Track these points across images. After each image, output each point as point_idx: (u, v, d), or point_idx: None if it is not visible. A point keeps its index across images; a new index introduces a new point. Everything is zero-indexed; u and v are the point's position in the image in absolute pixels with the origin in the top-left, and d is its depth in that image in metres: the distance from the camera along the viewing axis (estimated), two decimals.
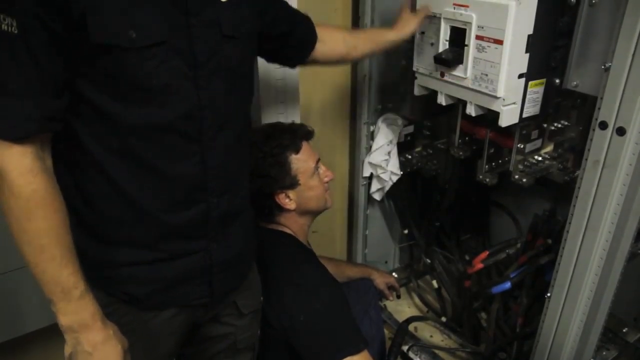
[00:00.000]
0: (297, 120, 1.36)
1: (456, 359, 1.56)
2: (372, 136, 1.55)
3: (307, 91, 1.44)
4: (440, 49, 1.12)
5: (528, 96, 1.08)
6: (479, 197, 1.65)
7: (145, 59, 0.69)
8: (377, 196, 1.63)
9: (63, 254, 0.71)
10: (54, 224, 0.70)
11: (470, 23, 1.03)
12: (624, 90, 0.89)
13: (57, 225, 0.71)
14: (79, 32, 0.65)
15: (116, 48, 0.67)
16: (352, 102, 1.60)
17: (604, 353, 1.29)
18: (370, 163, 1.55)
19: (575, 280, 1.07)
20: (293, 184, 1.17)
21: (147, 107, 0.72)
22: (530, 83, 1.07)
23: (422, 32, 1.17)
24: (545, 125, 1.22)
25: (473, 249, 1.69)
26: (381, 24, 1.43)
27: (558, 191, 1.36)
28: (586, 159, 0.97)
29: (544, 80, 1.09)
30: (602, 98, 0.92)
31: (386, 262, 1.92)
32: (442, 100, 1.20)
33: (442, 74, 1.15)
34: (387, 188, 1.58)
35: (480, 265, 1.37)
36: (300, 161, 1.18)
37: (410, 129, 1.57)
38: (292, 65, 1.13)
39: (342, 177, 1.72)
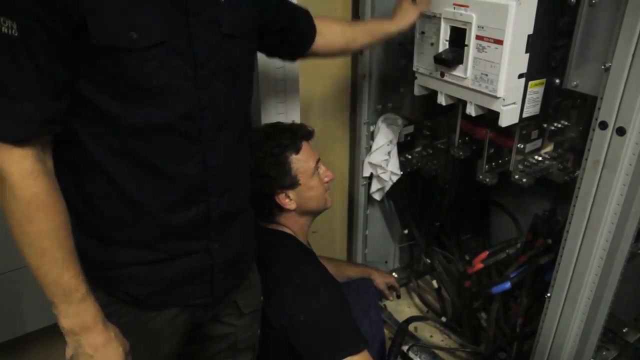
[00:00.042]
0: (297, 120, 1.36)
1: (456, 359, 1.56)
2: (372, 136, 1.55)
3: (307, 91, 1.44)
4: (440, 49, 1.12)
5: (528, 96, 1.08)
6: (479, 197, 1.65)
7: (145, 59, 0.69)
8: (377, 196, 1.63)
9: (65, 257, 0.71)
10: (55, 226, 0.70)
11: (470, 23, 1.03)
12: (624, 90, 0.89)
13: (58, 227, 0.71)
14: (79, 34, 0.65)
15: (117, 49, 0.67)
16: (352, 102, 1.60)
17: (604, 353, 1.29)
18: (370, 163, 1.55)
19: (575, 280, 1.07)
20: (293, 184, 1.17)
21: (147, 107, 0.72)
22: (530, 83, 1.07)
23: (422, 32, 1.17)
24: (545, 125, 1.22)
25: (473, 249, 1.69)
26: None
27: (558, 191, 1.36)
28: (586, 159, 0.97)
29: (544, 80, 1.09)
30: (602, 98, 0.92)
31: (386, 262, 1.92)
32: (442, 100, 1.20)
33: (442, 74, 1.15)
34: (387, 188, 1.58)
35: (480, 265, 1.37)
36: (300, 161, 1.18)
37: (410, 129, 1.57)
38: (292, 58, 1.13)
39: (342, 177, 1.72)
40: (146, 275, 0.83)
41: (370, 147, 1.55)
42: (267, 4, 0.94)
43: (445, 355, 1.55)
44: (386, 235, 1.86)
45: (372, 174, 1.58)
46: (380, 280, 1.55)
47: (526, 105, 1.09)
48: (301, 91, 1.35)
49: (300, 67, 1.32)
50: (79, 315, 0.74)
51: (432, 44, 1.15)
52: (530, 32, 1.01)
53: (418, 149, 1.62)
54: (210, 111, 0.77)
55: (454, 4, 1.06)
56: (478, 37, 1.03)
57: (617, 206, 0.96)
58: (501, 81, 1.02)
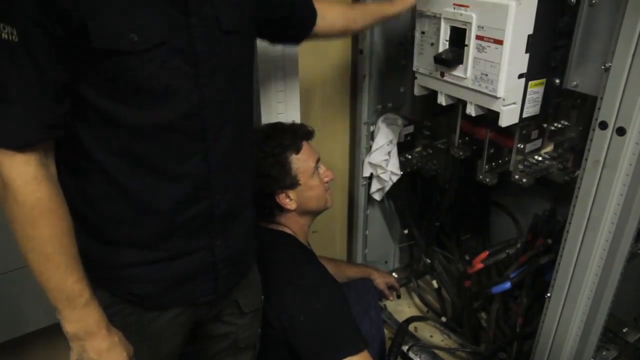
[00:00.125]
0: (297, 120, 1.36)
1: (456, 359, 1.56)
2: (372, 136, 1.55)
3: (307, 91, 1.44)
4: (440, 49, 1.12)
5: (528, 96, 1.08)
6: (479, 197, 1.65)
7: (146, 61, 0.69)
8: (377, 196, 1.63)
9: (68, 262, 0.71)
10: (58, 231, 0.70)
11: (470, 23, 1.03)
12: (624, 90, 0.89)
13: (61, 233, 0.71)
14: (80, 38, 0.64)
15: (117, 52, 0.67)
16: (352, 102, 1.60)
17: (604, 353, 1.29)
18: (370, 163, 1.55)
19: (575, 280, 1.07)
20: (293, 184, 1.17)
21: (149, 108, 0.72)
22: (530, 83, 1.07)
23: (422, 32, 1.17)
24: (545, 125, 1.22)
25: (473, 249, 1.69)
26: (381, 25, 1.43)
27: (558, 191, 1.36)
28: (586, 159, 0.97)
29: (544, 80, 1.09)
30: (602, 98, 0.92)
31: (386, 262, 1.92)
32: (442, 100, 1.20)
33: (442, 74, 1.15)
34: (387, 188, 1.58)
35: (480, 265, 1.38)
36: (301, 161, 1.18)
37: (410, 129, 1.57)
38: (296, 42, 1.13)
39: (342, 177, 1.72)
40: (150, 275, 0.83)
41: (370, 147, 1.55)
42: None
43: (445, 355, 1.55)
44: (386, 235, 1.86)
45: (372, 174, 1.58)
46: (380, 280, 1.55)
47: (526, 105, 1.09)
48: (301, 91, 1.35)
49: (301, 67, 1.32)
50: (83, 320, 0.74)
51: (432, 44, 1.15)
52: (530, 32, 1.01)
53: (418, 149, 1.62)
54: (212, 109, 0.77)
55: (454, 4, 1.06)
56: (478, 37, 1.03)
57: (617, 206, 0.96)
58: (501, 81, 1.02)
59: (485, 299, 1.50)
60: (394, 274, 1.81)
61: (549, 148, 1.27)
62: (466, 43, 1.06)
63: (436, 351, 1.54)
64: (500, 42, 0.99)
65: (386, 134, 1.51)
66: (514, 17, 0.97)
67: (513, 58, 1.01)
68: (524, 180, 1.21)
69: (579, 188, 1.01)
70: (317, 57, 1.47)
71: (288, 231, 1.23)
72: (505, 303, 1.45)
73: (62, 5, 0.62)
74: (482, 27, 1.02)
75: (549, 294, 1.14)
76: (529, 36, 1.01)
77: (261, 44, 1.18)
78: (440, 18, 1.09)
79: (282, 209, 1.20)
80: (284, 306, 1.09)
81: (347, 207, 1.79)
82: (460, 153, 1.38)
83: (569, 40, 1.05)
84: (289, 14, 1.01)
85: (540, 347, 1.21)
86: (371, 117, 1.53)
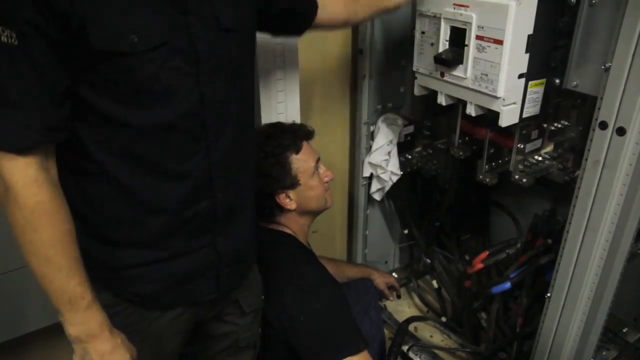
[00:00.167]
0: (297, 120, 1.36)
1: (456, 359, 1.56)
2: (372, 136, 1.55)
3: (307, 90, 1.44)
4: (440, 49, 1.12)
5: (528, 96, 1.08)
6: (479, 197, 1.65)
7: (146, 61, 0.69)
8: (377, 196, 1.63)
9: (70, 265, 0.71)
10: (59, 234, 0.70)
11: (470, 23, 1.03)
12: (624, 90, 0.89)
13: (63, 235, 0.71)
14: (79, 40, 0.64)
15: (117, 53, 0.67)
16: (352, 102, 1.60)
17: (604, 353, 1.29)
18: (370, 163, 1.55)
19: (575, 280, 1.07)
20: (293, 183, 1.17)
21: (150, 108, 0.72)
22: (530, 83, 1.07)
23: (422, 32, 1.17)
24: (545, 125, 1.22)
25: (473, 249, 1.69)
26: (381, 25, 1.43)
27: (558, 191, 1.36)
28: (586, 159, 0.97)
29: (544, 80, 1.09)
30: (602, 98, 0.92)
31: (386, 262, 1.92)
32: (442, 100, 1.20)
33: (442, 74, 1.15)
34: (387, 188, 1.58)
35: (480, 265, 1.38)
36: (301, 161, 1.18)
37: (410, 129, 1.57)
38: (296, 34, 1.13)
39: (342, 177, 1.72)
40: (153, 275, 0.83)
41: (370, 147, 1.55)
42: None
43: (445, 355, 1.55)
44: (386, 235, 1.86)
45: (372, 174, 1.58)
46: (380, 280, 1.55)
47: (526, 105, 1.09)
48: (301, 91, 1.35)
49: (301, 67, 1.32)
50: (85, 322, 0.74)
51: (432, 44, 1.15)
52: (530, 32, 1.01)
53: (418, 149, 1.62)
54: (212, 109, 0.77)
55: (454, 4, 1.06)
56: (478, 37, 1.03)
57: (617, 206, 0.96)
58: (501, 81, 1.02)
59: (485, 299, 1.50)
60: (394, 274, 1.81)
61: (549, 148, 1.27)
62: (466, 43, 1.06)
63: (436, 351, 1.54)
64: (500, 42, 0.99)
65: (386, 134, 1.51)
66: (514, 17, 0.97)
67: (513, 58, 1.01)
68: (524, 180, 1.21)
69: (579, 188, 1.01)
70: (317, 57, 1.47)
71: (288, 231, 1.23)
72: (505, 303, 1.45)
73: (60, 9, 0.62)
74: (482, 27, 1.02)
75: (549, 294, 1.14)
76: (529, 36, 1.01)
77: (261, 44, 1.18)
78: (440, 18, 1.09)
79: (282, 209, 1.21)
80: (284, 306, 1.09)
81: (347, 207, 1.79)
82: (460, 153, 1.38)
83: (569, 40, 1.05)
84: (290, 7, 1.01)
85: (540, 347, 1.21)
86: (371, 117, 1.53)
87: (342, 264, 1.56)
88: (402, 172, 1.55)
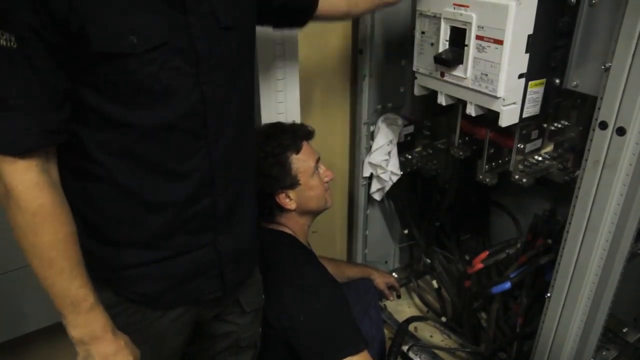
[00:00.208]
0: (297, 120, 1.36)
1: (456, 359, 1.56)
2: (372, 136, 1.55)
3: (307, 91, 1.44)
4: (440, 49, 1.12)
5: (528, 96, 1.08)
6: (479, 197, 1.65)
7: (146, 62, 0.69)
8: (377, 196, 1.63)
9: (72, 267, 0.72)
10: (61, 237, 0.70)
11: (470, 23, 1.03)
12: (624, 90, 0.89)
13: (64, 238, 0.71)
14: (79, 42, 0.64)
15: (117, 55, 0.67)
16: (352, 102, 1.60)
17: (604, 353, 1.29)
18: (370, 163, 1.55)
19: (575, 280, 1.07)
20: (293, 183, 1.17)
21: (149, 109, 0.72)
22: (530, 83, 1.07)
23: (422, 32, 1.17)
24: (545, 125, 1.22)
25: (473, 249, 1.69)
26: (381, 25, 1.43)
27: (558, 191, 1.36)
28: (586, 159, 0.97)
29: (544, 80, 1.09)
30: (602, 98, 0.92)
31: (386, 262, 1.92)
32: (442, 100, 1.20)
33: (442, 74, 1.15)
34: (387, 188, 1.58)
35: (480, 265, 1.38)
36: (301, 161, 1.18)
37: (410, 129, 1.57)
38: (298, 26, 1.12)
39: (342, 177, 1.72)
40: (154, 274, 0.83)
41: (370, 147, 1.55)
42: None
43: (445, 355, 1.55)
44: (386, 235, 1.86)
45: (372, 174, 1.58)
46: (380, 280, 1.55)
47: (526, 105, 1.09)
48: (301, 90, 1.35)
49: (301, 67, 1.32)
50: (88, 325, 0.74)
51: (432, 44, 1.15)
52: (530, 32, 1.01)
53: (418, 149, 1.62)
54: (212, 108, 0.77)
55: (454, 4, 1.06)
56: (478, 37, 1.03)
57: (617, 206, 0.96)
58: (501, 81, 1.02)
59: (485, 299, 1.50)
60: (394, 274, 1.81)
61: (549, 148, 1.27)
62: (466, 43, 1.06)
63: (436, 351, 1.54)
64: (500, 42, 0.99)
65: (386, 134, 1.51)
66: (514, 17, 0.97)
67: (513, 58, 1.01)
68: (524, 180, 1.21)
69: (579, 188, 1.01)
70: (318, 57, 1.47)
71: (288, 231, 1.23)
72: (505, 303, 1.45)
73: (60, 12, 0.62)
74: (482, 27, 1.02)
75: (549, 294, 1.14)
76: (529, 36, 1.01)
77: (261, 43, 1.19)
78: (440, 18, 1.09)
79: (282, 209, 1.21)
80: (284, 306, 1.09)
81: (347, 207, 1.79)
82: (460, 153, 1.38)
83: (569, 40, 1.05)
84: (289, 1, 1.01)
85: (540, 347, 1.21)
86: (371, 117, 1.53)
87: (342, 264, 1.56)
88: (402, 172, 1.55)
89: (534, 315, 1.35)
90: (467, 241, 1.74)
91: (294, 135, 1.18)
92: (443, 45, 1.11)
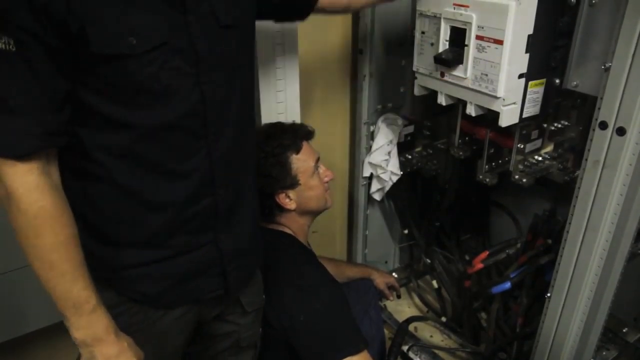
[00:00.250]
0: (297, 120, 1.36)
1: (456, 359, 1.56)
2: (372, 136, 1.55)
3: (307, 90, 1.44)
4: (440, 49, 1.12)
5: (528, 96, 1.08)
6: (479, 197, 1.65)
7: (145, 63, 0.68)
8: (377, 196, 1.63)
9: (73, 270, 0.72)
10: (62, 239, 0.70)
11: (470, 23, 1.03)
12: (624, 90, 0.89)
13: (66, 240, 0.71)
14: (79, 44, 0.64)
15: (117, 56, 0.66)
16: (352, 102, 1.60)
17: (604, 353, 1.29)
18: (370, 163, 1.55)
19: (575, 280, 1.07)
20: (293, 183, 1.17)
21: (149, 109, 0.72)
22: (530, 83, 1.07)
23: (422, 32, 1.17)
24: (545, 125, 1.22)
25: (473, 249, 1.70)
26: (381, 25, 1.43)
27: (558, 191, 1.36)
28: (586, 159, 0.97)
29: (544, 80, 1.09)
30: (602, 98, 0.92)
31: (386, 262, 1.92)
32: (442, 100, 1.20)
33: (442, 74, 1.15)
34: (387, 188, 1.58)
35: (480, 265, 1.37)
36: (301, 161, 1.18)
37: (410, 129, 1.57)
38: (299, 19, 1.12)
39: (342, 177, 1.72)
40: (155, 274, 0.83)
41: (370, 147, 1.55)
42: None
43: (445, 355, 1.55)
44: (386, 235, 1.86)
45: (372, 174, 1.58)
46: (380, 280, 1.55)
47: (526, 105, 1.09)
48: (301, 90, 1.35)
49: (300, 67, 1.32)
50: (90, 327, 0.74)
51: (432, 44, 1.15)
52: (530, 32, 1.01)
53: (418, 149, 1.62)
54: (212, 108, 0.77)
55: (454, 4, 1.06)
56: (478, 37, 1.03)
57: (617, 206, 0.96)
58: (501, 81, 1.02)
59: (485, 299, 1.50)
60: (394, 274, 1.81)
61: (549, 148, 1.27)
62: (466, 43, 1.06)
63: (436, 351, 1.54)
64: (500, 42, 0.99)
65: (386, 134, 1.51)
66: (514, 17, 0.97)
67: (513, 58, 1.01)
68: (524, 180, 1.21)
69: (579, 188, 1.01)
70: (318, 57, 1.47)
71: (288, 231, 1.23)
72: (505, 303, 1.45)
73: (59, 15, 0.62)
74: (482, 27, 1.02)
75: (549, 294, 1.14)
76: (529, 36, 1.01)
77: (261, 43, 1.18)
78: (440, 18, 1.09)
79: (282, 209, 1.21)
80: (284, 306, 1.09)
81: (347, 207, 1.79)
82: (460, 153, 1.38)
83: (569, 40, 1.05)
84: None
85: (540, 347, 1.21)
86: (371, 117, 1.53)
87: (342, 264, 1.56)
88: (402, 172, 1.55)
89: (534, 315, 1.35)
90: (467, 241, 1.74)
91: (294, 135, 1.18)
92: (443, 45, 1.11)
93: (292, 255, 1.19)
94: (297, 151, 1.18)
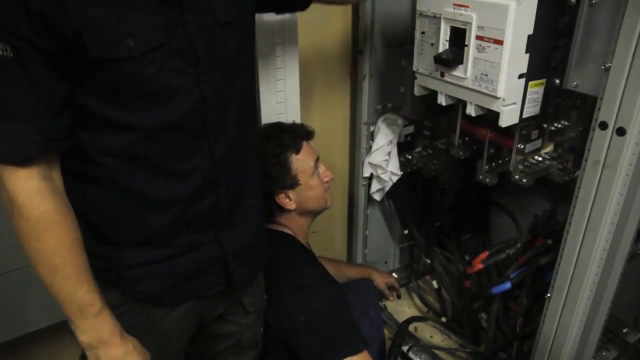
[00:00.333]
0: (297, 120, 1.36)
1: (456, 359, 1.56)
2: (372, 136, 1.55)
3: (307, 91, 1.44)
4: (440, 49, 1.12)
5: (528, 96, 1.08)
6: (479, 198, 1.65)
7: (144, 64, 0.68)
8: (377, 196, 1.63)
9: (77, 273, 0.72)
10: (65, 243, 0.71)
11: (470, 23, 1.03)
12: (624, 91, 0.89)
13: (68, 244, 0.71)
14: (76, 49, 0.64)
15: (115, 59, 0.66)
16: (352, 102, 1.60)
17: (604, 353, 1.29)
18: (370, 163, 1.55)
19: (575, 280, 1.07)
20: (293, 184, 1.17)
21: (150, 110, 0.72)
22: (530, 83, 1.07)
23: (422, 32, 1.17)
24: (545, 126, 1.22)
25: (473, 249, 1.70)
26: (381, 25, 1.43)
27: (558, 191, 1.36)
28: (586, 159, 0.97)
29: (544, 80, 1.09)
30: (602, 98, 0.92)
31: (386, 262, 1.92)
32: (442, 100, 1.20)
33: (442, 74, 1.15)
34: (387, 188, 1.58)
35: (480, 266, 1.37)
36: (301, 161, 1.18)
37: (411, 129, 1.57)
38: (300, 9, 1.11)
39: (342, 177, 1.72)
40: (159, 273, 0.83)
41: (370, 147, 1.55)
42: None
43: (445, 355, 1.55)
44: (386, 235, 1.86)
45: (372, 174, 1.58)
46: (380, 281, 1.55)
47: (526, 105, 1.09)
48: (301, 90, 1.35)
49: (301, 67, 1.32)
50: (96, 329, 0.74)
51: (432, 44, 1.15)
52: (530, 32, 1.01)
53: (418, 149, 1.62)
54: (212, 108, 0.77)
55: (454, 4, 1.06)
56: (478, 37, 1.03)
57: (617, 206, 0.96)
58: (501, 81, 1.02)
59: (485, 299, 1.50)
60: (394, 274, 1.81)
61: (549, 148, 1.27)
62: (466, 43, 1.05)
63: (436, 351, 1.54)
64: (500, 42, 0.99)
65: (386, 134, 1.51)
66: (513, 17, 0.97)
67: (513, 58, 1.01)
68: (524, 180, 1.21)
69: (579, 188, 1.01)
70: (317, 57, 1.47)
71: (288, 231, 1.23)
72: (505, 303, 1.45)
73: (55, 21, 0.62)
74: (482, 27, 1.02)
75: (549, 294, 1.14)
76: (529, 36, 1.01)
77: (261, 43, 1.18)
78: (440, 18, 1.09)
79: (282, 209, 1.21)
80: (284, 306, 1.09)
81: (347, 207, 1.79)
82: (460, 153, 1.38)
83: (569, 40, 1.05)
84: None
85: (540, 348, 1.20)
86: (371, 117, 1.53)
87: (342, 264, 1.56)
88: (402, 173, 1.55)
89: (534, 315, 1.35)
90: (467, 241, 1.74)
91: (294, 135, 1.19)
92: (443, 45, 1.11)
93: (292, 255, 1.19)
94: (297, 151, 1.18)
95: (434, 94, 1.22)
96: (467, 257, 1.63)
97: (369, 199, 1.67)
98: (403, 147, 1.57)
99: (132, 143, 0.73)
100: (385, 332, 1.54)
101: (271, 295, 1.10)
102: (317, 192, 1.21)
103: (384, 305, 1.73)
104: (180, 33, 0.71)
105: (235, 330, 1.03)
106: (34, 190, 0.68)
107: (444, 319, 1.64)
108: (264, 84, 1.27)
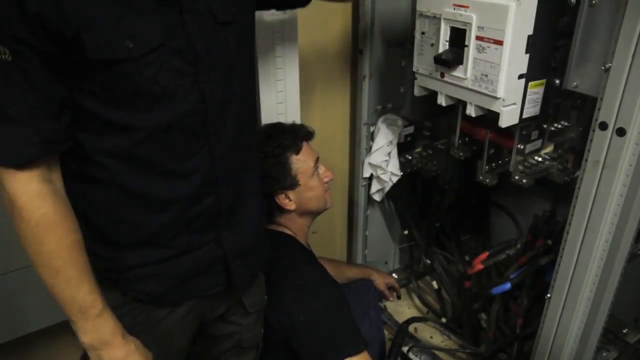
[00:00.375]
0: (297, 120, 1.36)
1: None
2: (372, 137, 1.55)
3: (307, 91, 1.44)
4: (440, 50, 1.12)
5: (528, 97, 1.08)
6: (479, 198, 1.65)
7: (144, 65, 0.68)
8: (377, 197, 1.63)
9: (78, 275, 0.72)
10: (66, 245, 0.71)
11: (470, 24, 1.03)
12: (624, 91, 0.89)
13: (69, 246, 0.71)
14: (74, 51, 0.64)
15: (114, 61, 0.66)
16: (352, 102, 1.60)
17: (604, 354, 1.29)
18: (370, 164, 1.55)
19: (575, 281, 1.07)
20: (293, 184, 1.17)
21: (150, 111, 0.72)
22: (530, 84, 1.07)
23: (422, 33, 1.17)
24: (545, 126, 1.22)
25: (473, 250, 1.69)
26: (381, 25, 1.43)
27: (558, 192, 1.35)
28: (586, 160, 0.97)
29: (544, 80, 1.09)
30: (602, 99, 0.92)
31: (386, 262, 1.92)
32: (442, 100, 1.20)
33: (442, 75, 1.15)
34: (387, 189, 1.58)
35: (480, 266, 1.37)
36: (300, 161, 1.18)
37: (411, 129, 1.57)
38: (301, 5, 1.10)
39: (342, 177, 1.72)
40: (160, 273, 0.83)
41: (370, 147, 1.55)
42: None
43: (445, 356, 1.55)
44: (386, 236, 1.86)
45: (372, 174, 1.58)
46: (380, 281, 1.55)
47: (526, 105, 1.09)
48: (301, 91, 1.35)
49: (300, 67, 1.32)
50: (97, 330, 0.75)
51: (432, 45, 1.15)
52: (530, 32, 1.01)
53: (418, 150, 1.62)
54: (212, 108, 0.77)
55: (454, 5, 1.06)
56: (478, 38, 1.03)
57: (617, 207, 0.96)
58: (501, 82, 1.02)
59: (485, 300, 1.50)
60: (394, 274, 1.81)
61: (549, 149, 1.27)
62: (466, 43, 1.05)
63: (436, 352, 1.54)
64: (500, 43, 0.99)
65: (386, 134, 1.51)
66: (513, 18, 0.97)
67: (513, 58, 1.01)
68: (524, 180, 1.21)
69: (579, 189, 1.01)
70: (317, 57, 1.47)
71: (288, 232, 1.23)
72: (505, 304, 1.45)
73: (54, 24, 0.62)
74: (482, 28, 1.02)
75: (549, 295, 1.14)
76: (529, 37, 1.01)
77: (261, 43, 1.18)
78: (440, 18, 1.09)
79: (281, 210, 1.21)
80: (284, 306, 1.09)
81: (347, 207, 1.79)
82: (460, 154, 1.38)
83: (569, 40, 1.05)
84: None
85: (541, 348, 1.20)
86: (371, 118, 1.53)
87: (342, 264, 1.56)
88: (402, 173, 1.54)
89: (534, 316, 1.35)
90: (467, 242, 1.73)
91: (294, 136, 1.19)
92: (443, 45, 1.11)
93: (292, 255, 1.19)
94: (297, 152, 1.18)
95: (434, 94, 1.22)
96: (467, 258, 1.63)
97: (369, 199, 1.67)
98: (403, 148, 1.57)
99: (132, 143, 0.73)
100: (385, 332, 1.54)
101: (271, 295, 1.10)
102: (317, 193, 1.21)
103: (384, 305, 1.73)
104: (179, 34, 0.71)
105: (236, 330, 1.03)
106: (34, 193, 0.68)
107: (444, 320, 1.64)
108: (264, 84, 1.27)
